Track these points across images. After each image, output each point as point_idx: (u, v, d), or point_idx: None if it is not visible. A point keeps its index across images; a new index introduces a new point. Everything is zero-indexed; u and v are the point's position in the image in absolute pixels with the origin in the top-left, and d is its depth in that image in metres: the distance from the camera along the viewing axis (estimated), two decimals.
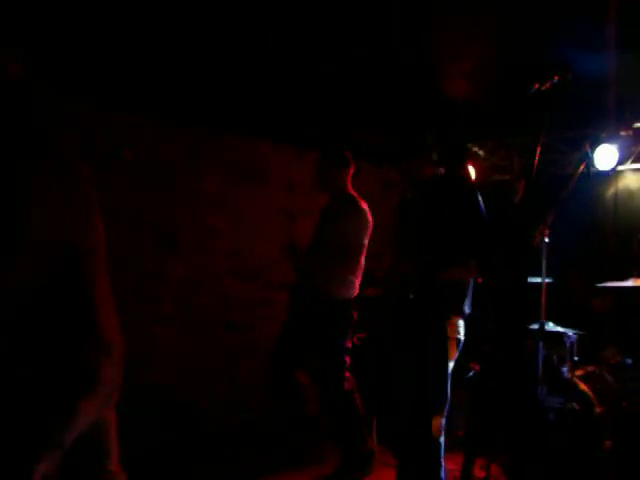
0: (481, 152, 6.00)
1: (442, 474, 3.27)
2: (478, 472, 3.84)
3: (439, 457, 3.27)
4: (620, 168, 5.72)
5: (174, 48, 4.20)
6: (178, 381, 5.03)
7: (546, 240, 4.11)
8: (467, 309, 3.39)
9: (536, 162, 2.27)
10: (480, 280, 3.45)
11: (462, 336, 3.38)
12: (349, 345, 4.27)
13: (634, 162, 5.78)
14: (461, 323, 3.37)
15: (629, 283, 4.31)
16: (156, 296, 5.15)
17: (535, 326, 4.27)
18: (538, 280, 4.18)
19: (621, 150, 5.25)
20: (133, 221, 4.97)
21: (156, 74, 4.47)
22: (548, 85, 2.25)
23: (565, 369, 4.57)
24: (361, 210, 4.26)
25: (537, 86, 2.25)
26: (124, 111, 4.82)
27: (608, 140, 5.16)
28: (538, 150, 2.23)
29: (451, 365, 3.33)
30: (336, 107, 5.01)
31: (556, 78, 2.27)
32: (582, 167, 4.35)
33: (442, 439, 3.29)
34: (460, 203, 3.15)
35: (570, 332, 4.66)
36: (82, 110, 4.69)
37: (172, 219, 5.19)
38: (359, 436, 4.28)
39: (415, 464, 3.25)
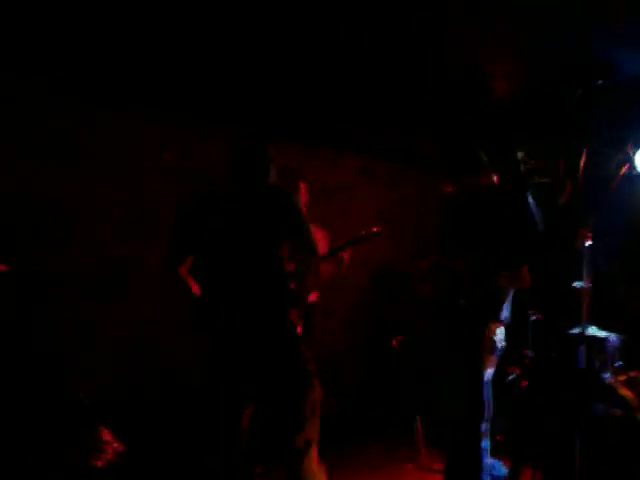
0: (520, 154, 5.93)
1: (484, 476, 3.25)
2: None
3: (480, 460, 3.25)
4: None
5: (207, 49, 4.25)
6: None
7: (588, 243, 4.03)
8: (506, 315, 3.36)
9: (582, 164, 2.23)
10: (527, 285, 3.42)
11: (500, 343, 3.35)
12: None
13: None
14: (500, 330, 3.34)
15: None
16: None
17: (576, 331, 4.20)
18: (580, 284, 4.11)
19: None
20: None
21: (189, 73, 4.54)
22: (592, 87, 2.21)
23: (607, 374, 4.49)
24: None
25: (582, 88, 2.22)
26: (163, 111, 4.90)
27: None
28: (584, 152, 2.19)
29: (491, 372, 3.30)
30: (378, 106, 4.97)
31: (600, 81, 2.23)
32: (624, 169, 4.27)
33: (485, 443, 3.27)
34: (513, 210, 3.13)
35: (613, 337, 4.56)
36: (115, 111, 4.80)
37: None
38: None
39: (459, 468, 3.24)
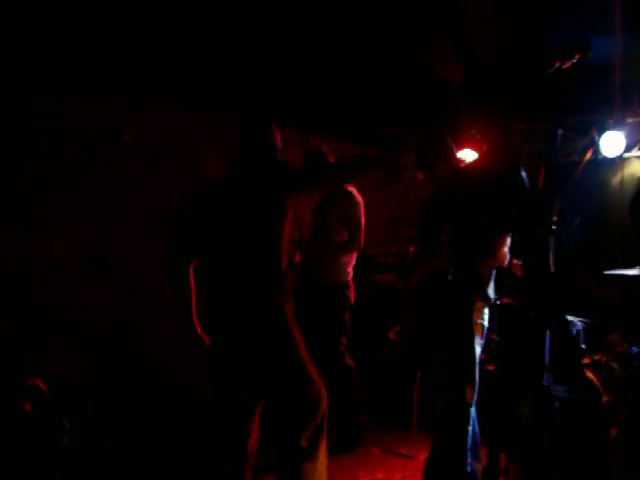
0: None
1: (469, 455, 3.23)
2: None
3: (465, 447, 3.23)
4: (626, 155, 5.65)
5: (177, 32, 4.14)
6: None
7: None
8: (491, 294, 3.34)
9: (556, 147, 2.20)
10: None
11: (486, 322, 3.33)
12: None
13: None
14: (485, 309, 3.32)
15: (636, 271, 4.25)
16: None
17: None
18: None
19: (628, 137, 5.17)
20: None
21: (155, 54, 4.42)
22: (568, 64, 2.18)
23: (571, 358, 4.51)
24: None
25: (558, 64, 2.19)
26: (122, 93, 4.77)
27: (615, 126, 5.08)
28: (559, 133, 2.16)
29: (478, 350, 3.28)
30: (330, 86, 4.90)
31: (577, 56, 2.20)
32: (589, 154, 4.28)
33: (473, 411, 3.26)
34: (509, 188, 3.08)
35: (576, 320, 4.59)
36: (85, 93, 4.65)
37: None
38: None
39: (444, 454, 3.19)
